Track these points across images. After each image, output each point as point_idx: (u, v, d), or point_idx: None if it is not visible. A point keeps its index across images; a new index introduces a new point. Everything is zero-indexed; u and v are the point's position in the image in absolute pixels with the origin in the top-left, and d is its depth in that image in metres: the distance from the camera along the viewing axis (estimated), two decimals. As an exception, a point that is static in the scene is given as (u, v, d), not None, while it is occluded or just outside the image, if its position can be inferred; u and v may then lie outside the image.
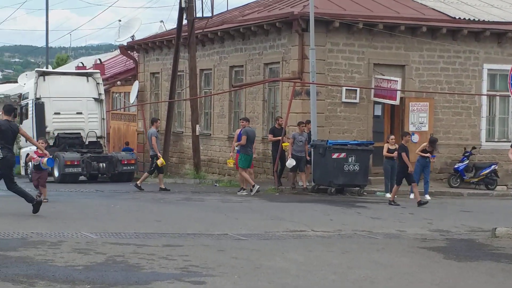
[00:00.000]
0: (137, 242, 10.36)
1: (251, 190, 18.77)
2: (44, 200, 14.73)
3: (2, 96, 51.22)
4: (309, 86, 21.03)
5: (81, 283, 7.39)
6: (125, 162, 25.20)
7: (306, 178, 20.06)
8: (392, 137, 19.48)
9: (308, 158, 19.89)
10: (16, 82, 50.95)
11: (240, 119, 20.80)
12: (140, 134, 30.64)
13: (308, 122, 20.67)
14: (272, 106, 23.62)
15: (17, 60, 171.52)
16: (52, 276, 7.65)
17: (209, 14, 24.40)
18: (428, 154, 18.77)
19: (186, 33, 24.66)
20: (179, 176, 25.75)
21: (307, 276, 8.44)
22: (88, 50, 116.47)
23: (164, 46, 28.87)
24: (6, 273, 7.67)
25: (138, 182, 20.24)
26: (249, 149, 19.11)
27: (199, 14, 24.36)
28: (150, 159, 20.75)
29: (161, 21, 35.31)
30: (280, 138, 20.35)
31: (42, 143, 15.89)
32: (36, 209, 12.86)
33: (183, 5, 23.95)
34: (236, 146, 19.36)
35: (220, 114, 25.81)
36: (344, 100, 22.10)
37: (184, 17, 24.49)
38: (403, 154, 17.27)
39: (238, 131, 19.87)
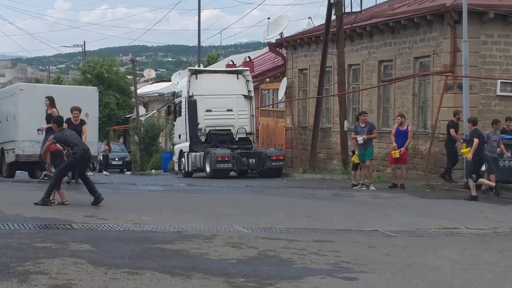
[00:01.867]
0: (288, 237, 10.44)
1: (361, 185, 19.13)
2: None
3: (157, 94, 53.27)
4: (462, 79, 20.40)
5: (235, 276, 7.53)
6: (274, 158, 25.50)
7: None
8: None
9: (508, 154, 18.16)
10: (169, 80, 52.87)
11: (398, 116, 20.19)
12: (288, 130, 30.87)
13: (510, 119, 19.54)
14: (423, 101, 23.11)
15: (170, 59, 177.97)
16: (207, 269, 7.84)
17: (358, 9, 24.22)
18: None
19: (334, 29, 24.60)
20: (327, 172, 25.76)
21: (462, 274, 8.19)
22: (237, 48, 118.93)
23: (312, 42, 28.93)
24: (164, 265, 7.94)
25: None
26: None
27: (347, 9, 24.26)
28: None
29: (309, 18, 35.45)
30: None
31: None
32: None
33: (332, 0, 23.91)
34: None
35: (369, 109, 25.53)
36: (499, 93, 21.30)
37: (333, 12, 24.43)
38: None
39: (395, 126, 19.75)
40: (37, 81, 78.90)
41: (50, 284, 6.87)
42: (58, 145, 13.72)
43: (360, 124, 19.13)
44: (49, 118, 18.28)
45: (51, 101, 18.65)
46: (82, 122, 17.64)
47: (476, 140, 16.71)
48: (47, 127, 17.99)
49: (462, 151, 18.05)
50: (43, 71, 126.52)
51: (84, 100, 21.66)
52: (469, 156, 16.79)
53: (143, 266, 7.83)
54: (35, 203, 12.87)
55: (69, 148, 13.36)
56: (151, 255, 8.57)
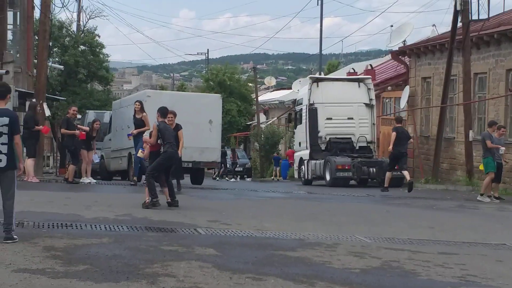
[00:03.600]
0: (411, 248, 10.27)
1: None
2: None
3: (277, 102, 53.68)
4: None
5: (359, 286, 7.47)
6: (395, 168, 25.12)
7: None
8: None
9: None
10: (290, 88, 53.18)
11: None
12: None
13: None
14: (552, 111, 22.24)
15: (290, 67, 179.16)
16: (330, 278, 7.82)
17: (485, 16, 23.59)
18: None
19: (460, 36, 24.04)
20: (450, 183, 25.17)
21: None
22: (358, 56, 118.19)
23: (437, 50, 28.38)
24: (287, 272, 7.98)
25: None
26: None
27: (474, 17, 23.66)
28: None
29: (433, 25, 34.67)
30: None
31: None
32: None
33: (458, 8, 23.39)
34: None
35: (496, 119, 24.77)
36: None
37: (459, 20, 23.90)
38: None
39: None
40: (162, 88, 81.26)
41: (177, 286, 7.04)
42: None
43: (494, 135, 18.62)
44: (138, 122, 18.69)
45: (142, 106, 18.89)
46: (178, 127, 16.62)
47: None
48: (138, 132, 18.43)
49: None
50: (167, 78, 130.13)
51: (208, 107, 22.12)
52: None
53: (267, 272, 7.90)
54: (145, 207, 13.22)
55: (162, 144, 13.83)
56: (274, 261, 8.64)
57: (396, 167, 20.97)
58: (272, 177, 39.69)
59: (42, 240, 9.11)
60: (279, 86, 74.45)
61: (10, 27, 24.73)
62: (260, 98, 54.21)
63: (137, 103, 18.99)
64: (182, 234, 10.45)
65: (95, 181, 19.86)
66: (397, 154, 20.36)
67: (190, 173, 23.11)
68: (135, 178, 19.55)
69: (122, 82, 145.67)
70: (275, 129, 45.99)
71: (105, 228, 10.56)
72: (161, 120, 14.14)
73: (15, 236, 8.92)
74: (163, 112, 14.32)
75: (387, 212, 15.37)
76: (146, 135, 15.75)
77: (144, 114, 18.66)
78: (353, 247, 9.99)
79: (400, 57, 32.04)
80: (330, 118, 26.74)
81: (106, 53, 46.41)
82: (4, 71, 19.25)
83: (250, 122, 54.85)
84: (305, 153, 27.47)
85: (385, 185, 20.56)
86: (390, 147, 20.57)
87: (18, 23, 26.02)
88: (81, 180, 19.21)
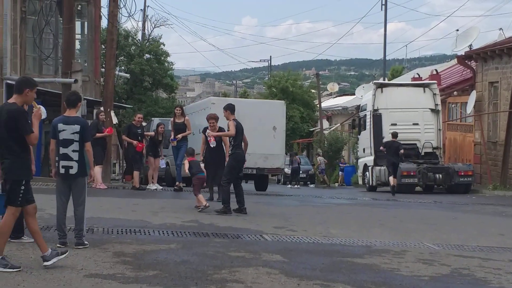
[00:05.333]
0: (481, 255, 10.10)
1: None
2: (200, 207, 13.83)
3: (340, 108, 53.44)
4: None
5: (429, 294, 7.39)
6: (462, 174, 24.78)
7: None
8: None
9: None
10: (352, 94, 52.91)
11: None
12: (477, 145, 29.86)
13: None
14: None
15: (352, 73, 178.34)
16: (399, 285, 7.74)
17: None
18: None
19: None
20: (519, 189, 24.65)
21: None
22: (422, 61, 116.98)
23: (504, 54, 27.83)
24: (355, 279, 7.94)
25: None
26: None
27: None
28: None
29: (500, 29, 33.96)
30: None
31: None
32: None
33: (526, 10, 22.95)
34: None
35: None
36: None
37: (527, 22, 23.44)
38: None
39: None
40: (225, 95, 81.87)
41: (245, 292, 7.07)
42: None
43: None
44: (180, 127, 18.88)
45: (183, 110, 19.40)
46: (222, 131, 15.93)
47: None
48: (183, 136, 18.68)
49: None
50: (230, 85, 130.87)
51: (272, 114, 22.15)
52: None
53: (334, 279, 7.87)
54: (217, 212, 13.32)
55: (231, 142, 13.72)
56: (341, 268, 8.60)
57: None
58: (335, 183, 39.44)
59: (112, 245, 9.27)
60: (341, 92, 74.13)
61: (78, 36, 25.24)
62: (323, 104, 54.03)
63: (178, 108, 19.49)
64: (248, 240, 10.48)
65: (161, 187, 20.08)
66: (391, 163, 22.98)
67: (254, 180, 23.19)
68: (177, 182, 19.75)
69: (186, 89, 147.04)
70: (338, 136, 45.77)
71: (173, 234, 10.67)
72: (233, 117, 13.70)
73: (86, 242, 9.10)
74: (233, 108, 13.89)
75: (455, 219, 15.15)
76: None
77: (186, 118, 19.17)
78: (421, 254, 9.88)
79: (466, 61, 31.51)
80: (395, 124, 26.48)
81: (171, 61, 47.02)
82: (73, 79, 19.63)
83: (313, 129, 54.70)
84: (369, 160, 27.27)
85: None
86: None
87: (85, 33, 26.54)
88: (147, 187, 19.45)
